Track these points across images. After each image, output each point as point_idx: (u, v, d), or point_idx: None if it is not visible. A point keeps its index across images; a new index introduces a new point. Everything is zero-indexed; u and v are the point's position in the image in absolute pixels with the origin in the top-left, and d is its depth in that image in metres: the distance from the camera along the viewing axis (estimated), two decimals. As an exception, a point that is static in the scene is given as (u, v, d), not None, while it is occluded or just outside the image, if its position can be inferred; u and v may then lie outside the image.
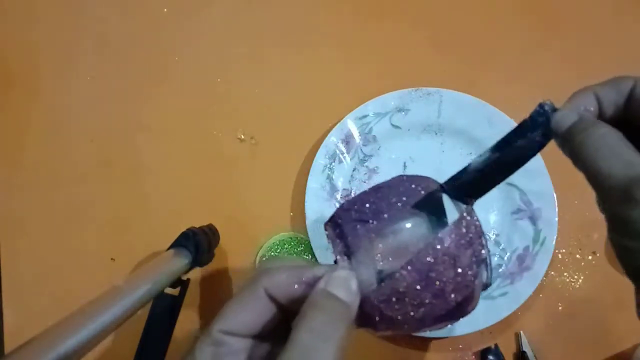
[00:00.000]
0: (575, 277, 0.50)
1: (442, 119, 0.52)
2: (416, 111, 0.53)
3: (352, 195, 0.52)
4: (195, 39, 0.61)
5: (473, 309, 0.25)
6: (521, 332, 0.48)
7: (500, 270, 0.49)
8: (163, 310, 0.40)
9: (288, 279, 0.22)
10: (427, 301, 0.23)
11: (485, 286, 0.26)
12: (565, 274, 0.50)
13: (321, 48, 0.59)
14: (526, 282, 0.47)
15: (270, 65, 0.59)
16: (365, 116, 0.53)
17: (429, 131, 0.53)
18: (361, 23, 0.60)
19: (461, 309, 0.24)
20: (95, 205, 0.56)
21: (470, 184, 0.26)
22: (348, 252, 0.25)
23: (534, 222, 0.49)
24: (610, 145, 0.21)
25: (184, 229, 0.45)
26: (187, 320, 0.51)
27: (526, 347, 0.47)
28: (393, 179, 0.29)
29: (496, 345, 0.48)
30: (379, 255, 0.25)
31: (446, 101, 0.52)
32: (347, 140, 0.53)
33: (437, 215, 0.27)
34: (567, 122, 0.23)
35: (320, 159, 0.52)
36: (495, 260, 0.49)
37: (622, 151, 0.21)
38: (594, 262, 0.50)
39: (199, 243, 0.44)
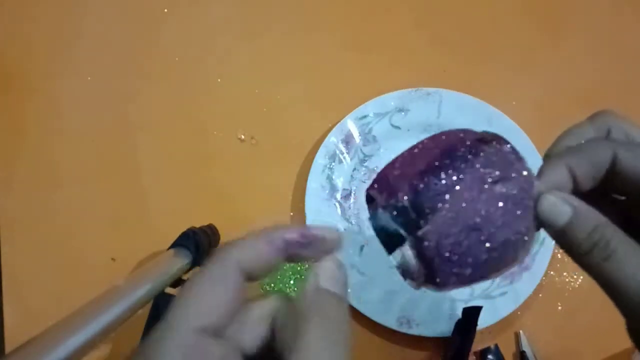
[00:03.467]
0: (575, 276, 0.50)
1: (442, 119, 0.53)
2: (416, 111, 0.53)
3: (352, 196, 0.52)
4: (195, 39, 0.61)
5: (530, 243, 0.24)
6: (521, 331, 0.48)
7: (500, 270, 0.49)
8: (164, 310, 0.40)
9: (264, 247, 0.20)
10: (478, 237, 0.22)
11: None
12: (564, 273, 0.50)
13: (321, 48, 0.59)
14: (526, 281, 0.47)
15: (270, 66, 0.59)
16: (365, 116, 0.53)
17: (429, 131, 0.53)
18: (361, 23, 0.60)
19: (519, 243, 0.23)
20: (95, 205, 0.56)
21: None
22: (397, 200, 0.23)
23: (533, 222, 0.49)
24: (622, 252, 0.19)
25: (184, 229, 0.45)
26: (187, 320, 0.51)
27: (526, 347, 0.47)
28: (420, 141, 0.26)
29: (496, 345, 0.48)
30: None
31: (446, 101, 0.52)
32: (347, 140, 0.53)
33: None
34: (560, 217, 0.21)
35: (320, 159, 0.52)
36: (495, 260, 0.49)
37: (635, 257, 0.19)
38: (593, 262, 0.50)
39: (199, 243, 0.44)
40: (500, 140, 0.24)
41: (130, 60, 0.61)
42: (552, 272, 0.50)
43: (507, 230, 0.22)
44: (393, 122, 0.53)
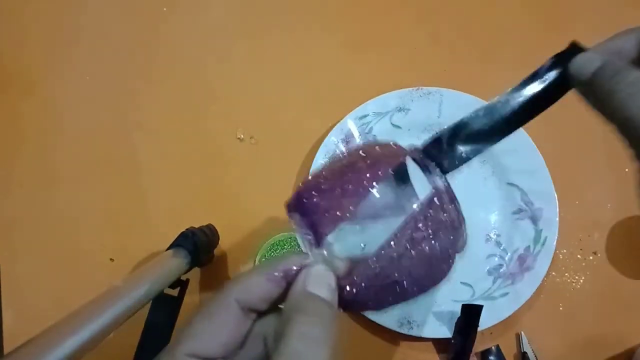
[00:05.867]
0: (576, 277, 0.50)
1: (442, 118, 0.52)
2: (416, 111, 0.53)
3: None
4: (195, 39, 0.61)
5: (446, 278, 0.25)
6: (522, 332, 0.48)
7: (501, 270, 0.48)
8: (162, 311, 0.40)
9: (259, 279, 0.21)
10: (403, 282, 0.22)
11: (459, 251, 0.25)
12: (566, 274, 0.50)
13: (321, 48, 0.59)
14: (527, 282, 0.47)
15: (270, 65, 0.59)
16: (365, 116, 0.53)
17: (429, 131, 0.53)
18: (361, 23, 0.60)
19: (436, 282, 0.24)
20: (94, 205, 0.56)
21: (472, 136, 0.25)
22: (317, 239, 0.23)
23: (535, 222, 0.49)
24: None
25: (183, 229, 0.45)
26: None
27: (527, 348, 0.47)
28: (355, 151, 0.26)
29: (497, 346, 0.48)
30: (349, 237, 0.24)
31: (446, 101, 0.52)
32: (347, 140, 0.53)
33: (403, 180, 0.25)
34: (589, 68, 0.21)
35: (320, 159, 0.52)
36: (496, 260, 0.49)
37: None
38: (595, 262, 0.50)
39: (198, 243, 0.44)
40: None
41: (129, 59, 0.60)
42: (553, 273, 0.50)
43: (428, 280, 0.23)
44: (393, 121, 0.53)
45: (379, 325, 0.47)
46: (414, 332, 0.46)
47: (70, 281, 0.54)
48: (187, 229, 0.45)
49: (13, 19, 0.63)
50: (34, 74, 0.61)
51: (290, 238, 0.51)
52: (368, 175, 0.23)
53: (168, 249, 0.43)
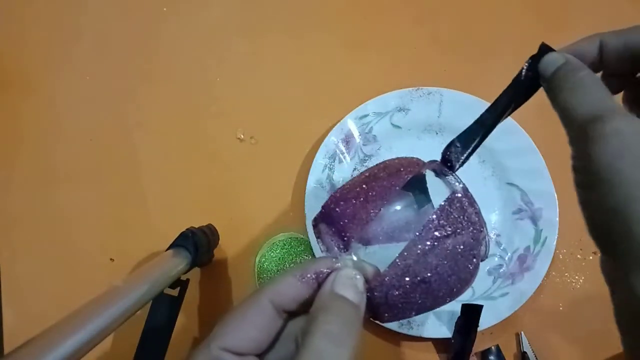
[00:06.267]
0: (576, 277, 0.50)
1: (442, 118, 0.52)
2: (416, 111, 0.53)
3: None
4: (195, 38, 0.61)
5: (473, 281, 0.26)
6: (522, 332, 0.48)
7: (501, 270, 0.48)
8: (162, 311, 0.40)
9: (292, 280, 0.22)
10: (430, 280, 0.23)
11: (483, 258, 0.26)
12: (566, 274, 0.50)
13: (321, 48, 0.59)
14: (527, 282, 0.47)
15: (270, 65, 0.59)
16: (365, 116, 0.53)
17: (429, 131, 0.53)
18: (361, 23, 0.60)
19: (463, 285, 0.25)
20: (94, 205, 0.56)
21: (466, 135, 0.27)
22: (346, 245, 0.24)
23: (535, 222, 0.49)
24: (585, 85, 0.21)
25: (183, 229, 0.45)
26: (186, 321, 0.51)
27: (527, 348, 0.47)
28: (377, 165, 0.29)
29: (497, 346, 0.48)
30: (375, 244, 0.25)
31: (447, 101, 0.52)
32: (347, 140, 0.53)
33: (423, 192, 0.27)
34: (553, 65, 0.24)
35: (320, 159, 0.52)
36: (496, 260, 0.49)
37: (594, 90, 0.21)
38: (594, 262, 0.50)
39: (198, 243, 0.44)
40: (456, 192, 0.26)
41: (129, 59, 0.60)
42: (553, 273, 0.50)
43: (454, 279, 0.24)
44: (393, 121, 0.53)
45: (379, 325, 0.47)
46: (414, 332, 0.46)
47: (70, 281, 0.54)
48: (187, 229, 0.45)
49: (13, 19, 0.63)
50: (34, 74, 0.61)
51: (290, 238, 0.51)
52: (389, 182, 0.25)
53: (168, 249, 0.43)
